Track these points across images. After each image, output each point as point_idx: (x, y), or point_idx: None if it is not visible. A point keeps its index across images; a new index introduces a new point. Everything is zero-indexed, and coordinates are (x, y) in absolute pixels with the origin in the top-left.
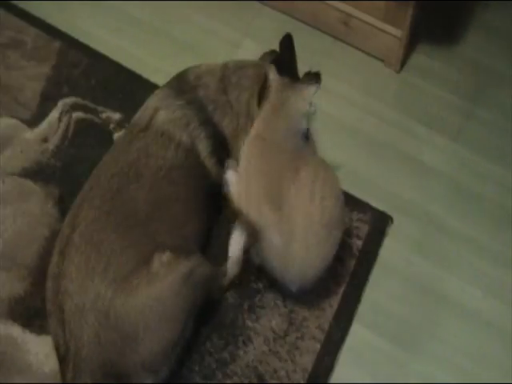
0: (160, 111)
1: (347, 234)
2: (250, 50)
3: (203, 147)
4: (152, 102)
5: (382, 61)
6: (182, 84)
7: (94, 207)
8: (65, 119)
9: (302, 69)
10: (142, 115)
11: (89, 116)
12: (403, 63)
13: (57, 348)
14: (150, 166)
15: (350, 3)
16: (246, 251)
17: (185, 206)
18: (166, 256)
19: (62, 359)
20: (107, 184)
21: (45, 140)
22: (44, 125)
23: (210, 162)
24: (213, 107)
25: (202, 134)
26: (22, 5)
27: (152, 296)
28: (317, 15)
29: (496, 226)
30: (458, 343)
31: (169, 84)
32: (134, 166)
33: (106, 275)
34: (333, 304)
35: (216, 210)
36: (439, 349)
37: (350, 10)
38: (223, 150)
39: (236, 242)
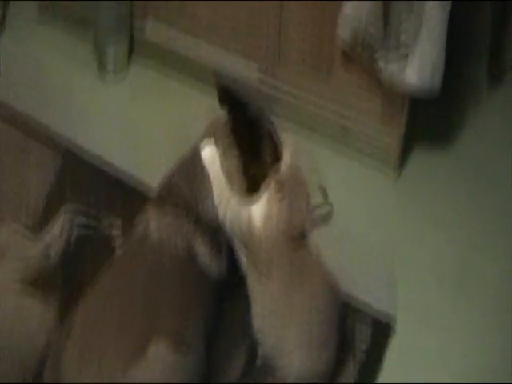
0: (151, 221)
1: (350, 341)
2: None
3: (199, 245)
4: (145, 213)
5: (381, 165)
6: (164, 191)
7: (90, 307)
8: (67, 226)
9: None
10: (136, 227)
11: (91, 223)
12: (401, 167)
13: None
14: (145, 271)
15: (347, 108)
16: None
17: (184, 300)
18: (162, 344)
19: None
20: (102, 290)
21: (47, 249)
22: (46, 233)
23: (207, 259)
24: (195, 202)
25: (197, 233)
26: (25, 115)
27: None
28: (312, 120)
29: (498, 319)
30: None
31: (158, 194)
32: (130, 271)
33: (99, 372)
34: None
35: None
36: None
37: (347, 114)
38: (218, 240)
39: None
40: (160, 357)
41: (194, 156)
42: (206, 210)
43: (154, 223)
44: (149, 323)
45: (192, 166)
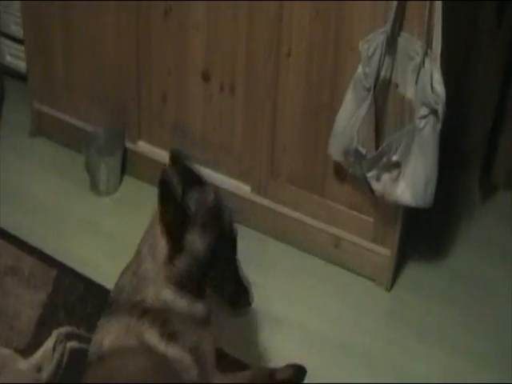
0: (103, 339)
1: None
2: None
3: (149, 335)
4: (96, 337)
5: (373, 280)
6: (108, 304)
7: None
8: (59, 349)
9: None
10: (91, 352)
11: (83, 346)
12: (393, 281)
13: None
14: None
15: (339, 225)
16: None
17: None
18: None
19: None
20: None
21: (39, 370)
22: (38, 354)
23: (161, 346)
24: (133, 294)
25: (144, 325)
26: (18, 234)
27: None
28: (306, 238)
29: None
30: None
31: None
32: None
33: None
34: None
35: None
36: None
37: (339, 232)
38: (171, 326)
39: None
40: None
41: (138, 253)
42: (151, 298)
43: (106, 339)
44: None
45: (136, 261)
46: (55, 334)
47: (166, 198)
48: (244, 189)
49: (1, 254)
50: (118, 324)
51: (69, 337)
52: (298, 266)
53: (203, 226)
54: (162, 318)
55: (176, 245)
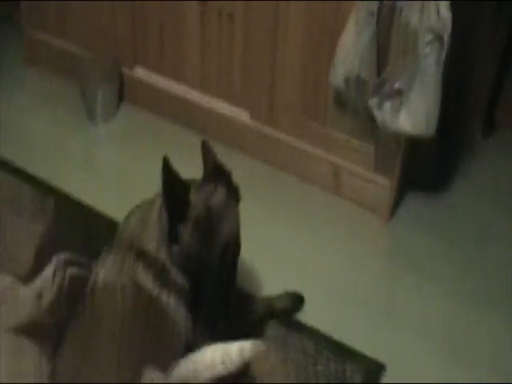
0: (99, 272)
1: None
2: None
3: (143, 278)
4: (95, 269)
5: (372, 211)
6: (112, 240)
7: (67, 360)
8: (59, 276)
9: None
10: (89, 283)
11: (82, 272)
12: (393, 213)
13: None
14: (104, 313)
15: (339, 155)
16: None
17: (150, 336)
18: (156, 375)
19: None
20: (75, 339)
21: (39, 297)
22: (38, 281)
23: (155, 291)
24: (137, 237)
25: (139, 267)
26: (16, 164)
27: None
28: (305, 167)
29: (492, 373)
30: None
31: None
32: (93, 317)
33: None
34: None
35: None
36: None
37: (339, 161)
38: (165, 277)
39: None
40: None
41: (153, 201)
42: (152, 248)
43: (101, 272)
44: (129, 358)
45: (149, 209)
46: (54, 260)
47: (169, 183)
48: (244, 116)
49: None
50: (114, 260)
51: (68, 263)
52: (296, 195)
53: (196, 222)
54: (158, 266)
55: (172, 231)
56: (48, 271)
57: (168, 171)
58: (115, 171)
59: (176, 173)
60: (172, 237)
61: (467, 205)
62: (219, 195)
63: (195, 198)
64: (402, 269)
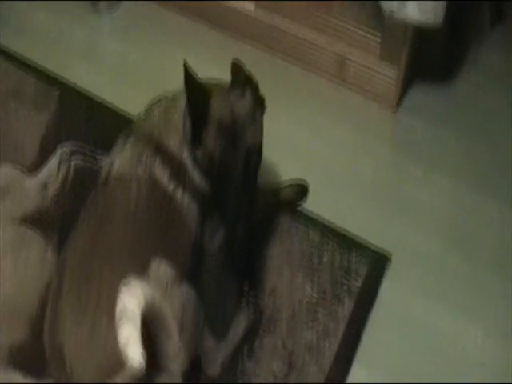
0: (114, 162)
1: (346, 275)
2: None
3: (160, 173)
4: (109, 158)
5: (378, 101)
6: (129, 129)
7: (77, 252)
8: (64, 166)
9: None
10: (102, 171)
11: (88, 163)
12: (399, 103)
13: None
14: (117, 205)
15: (345, 43)
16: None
17: (162, 232)
18: (162, 270)
19: None
20: (85, 230)
21: (44, 187)
22: (44, 172)
23: (170, 187)
24: (158, 132)
25: (157, 161)
26: (20, 56)
27: None
28: (310, 56)
29: (496, 264)
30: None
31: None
32: (105, 209)
33: (98, 304)
34: (333, 346)
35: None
36: None
37: (345, 50)
38: (183, 174)
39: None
40: (162, 272)
41: (176, 99)
42: (172, 145)
43: (117, 161)
44: (140, 247)
45: (172, 105)
46: (59, 151)
47: (190, 82)
48: (248, 5)
49: (3, 76)
50: (132, 150)
51: (73, 154)
52: (301, 85)
53: (219, 127)
54: (176, 163)
55: (195, 135)
56: (53, 162)
57: (189, 77)
58: (119, 62)
59: (197, 78)
60: (195, 140)
61: (475, 93)
62: (245, 103)
63: (220, 103)
64: (409, 159)
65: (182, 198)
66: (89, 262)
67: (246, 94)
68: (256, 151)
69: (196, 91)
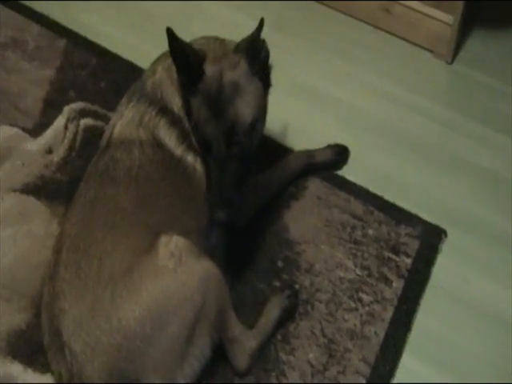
0: (116, 124)
1: (394, 251)
2: (279, 44)
3: (165, 135)
4: (112, 120)
5: (431, 51)
6: (133, 88)
7: (75, 222)
8: (71, 127)
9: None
10: (104, 135)
11: (99, 123)
12: (455, 53)
13: (60, 379)
14: (119, 169)
15: None
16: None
17: (170, 200)
18: (174, 242)
19: None
20: (84, 198)
21: (49, 151)
22: (48, 134)
23: (178, 150)
24: (161, 92)
25: (161, 123)
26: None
27: (159, 290)
28: (353, 2)
29: None
30: None
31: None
32: (105, 174)
33: (100, 277)
34: (379, 332)
35: None
36: None
37: None
38: (188, 136)
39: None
40: (174, 243)
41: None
42: (175, 106)
43: (119, 124)
44: (144, 229)
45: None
46: (67, 110)
47: (178, 54)
48: None
49: (3, 23)
50: (134, 111)
51: (82, 113)
52: (344, 34)
53: (205, 96)
54: (180, 126)
55: (185, 102)
56: (59, 123)
57: (174, 42)
58: (130, 9)
59: (184, 43)
60: (186, 109)
61: None
62: (239, 72)
63: (212, 69)
64: (465, 116)
65: (192, 161)
66: (87, 232)
67: (244, 62)
68: (245, 128)
69: (184, 55)
